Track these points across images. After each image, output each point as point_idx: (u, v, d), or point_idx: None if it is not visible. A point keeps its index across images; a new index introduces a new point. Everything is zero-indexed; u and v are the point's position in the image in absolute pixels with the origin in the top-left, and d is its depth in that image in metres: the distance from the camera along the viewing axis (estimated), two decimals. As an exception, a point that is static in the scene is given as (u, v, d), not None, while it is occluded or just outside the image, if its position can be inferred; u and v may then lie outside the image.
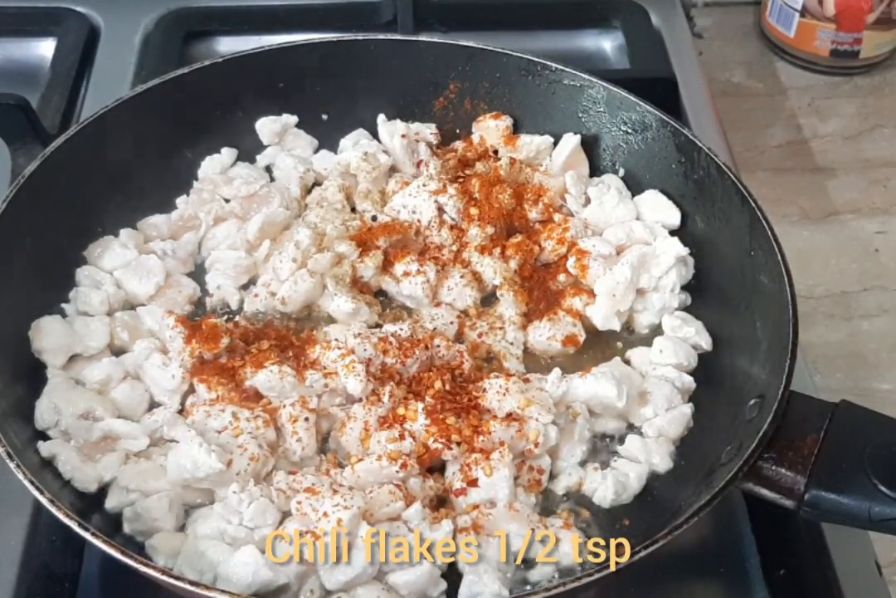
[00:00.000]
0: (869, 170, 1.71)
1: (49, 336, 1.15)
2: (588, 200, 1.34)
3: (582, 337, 1.24)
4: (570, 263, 1.28)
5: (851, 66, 1.87)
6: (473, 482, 1.06)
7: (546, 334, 1.22)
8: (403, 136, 1.38)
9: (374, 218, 1.32)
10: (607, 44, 1.76)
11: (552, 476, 1.12)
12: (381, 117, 1.41)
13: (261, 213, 1.30)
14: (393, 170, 1.40)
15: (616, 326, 1.24)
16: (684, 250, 1.25)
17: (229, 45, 1.71)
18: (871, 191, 1.68)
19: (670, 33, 1.73)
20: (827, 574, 1.12)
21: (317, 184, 1.39)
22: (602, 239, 1.30)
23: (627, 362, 1.22)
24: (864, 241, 1.59)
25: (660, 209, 1.31)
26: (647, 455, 1.12)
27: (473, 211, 1.30)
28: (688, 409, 1.16)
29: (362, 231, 1.29)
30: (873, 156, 1.74)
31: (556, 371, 1.16)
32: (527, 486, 1.09)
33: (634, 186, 1.36)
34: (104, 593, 1.11)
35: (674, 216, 1.30)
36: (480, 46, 1.39)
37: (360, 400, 1.11)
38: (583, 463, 1.13)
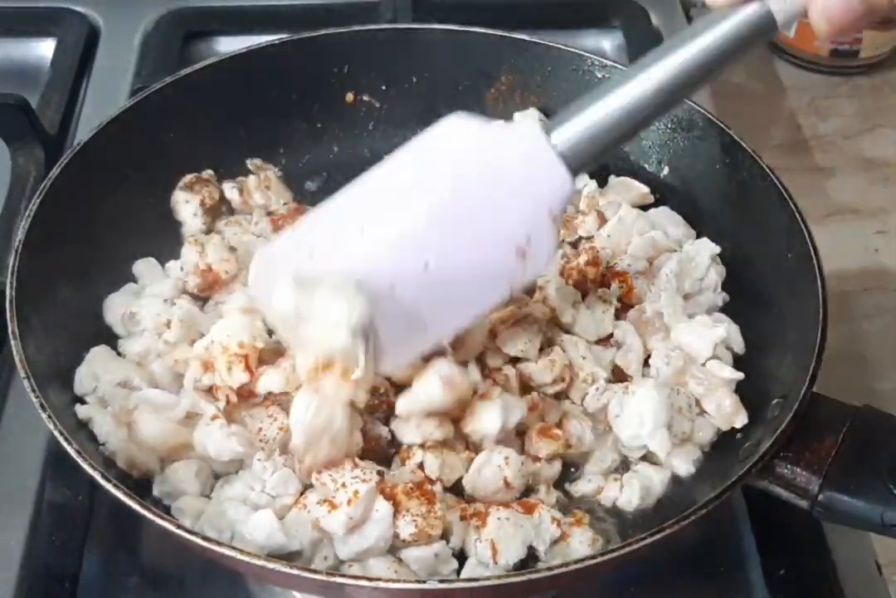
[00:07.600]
0: (869, 170, 1.70)
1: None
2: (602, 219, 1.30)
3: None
4: (614, 288, 1.22)
5: (851, 66, 1.86)
6: None
7: None
8: None
9: None
10: (607, 44, 1.76)
11: (572, 480, 1.11)
12: None
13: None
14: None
15: None
16: (717, 248, 1.24)
17: (229, 45, 1.68)
18: (871, 191, 1.67)
19: (670, 33, 1.69)
20: (827, 574, 1.12)
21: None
22: (632, 256, 1.26)
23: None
24: (864, 241, 1.59)
25: (676, 225, 1.30)
26: (670, 458, 1.10)
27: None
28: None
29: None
30: (873, 156, 1.73)
31: (602, 381, 1.13)
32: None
33: (680, 184, 1.34)
34: (104, 593, 1.10)
35: (689, 234, 1.30)
36: (533, 40, 1.38)
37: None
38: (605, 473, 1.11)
